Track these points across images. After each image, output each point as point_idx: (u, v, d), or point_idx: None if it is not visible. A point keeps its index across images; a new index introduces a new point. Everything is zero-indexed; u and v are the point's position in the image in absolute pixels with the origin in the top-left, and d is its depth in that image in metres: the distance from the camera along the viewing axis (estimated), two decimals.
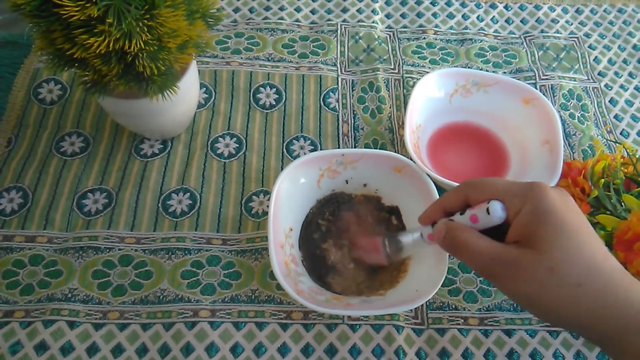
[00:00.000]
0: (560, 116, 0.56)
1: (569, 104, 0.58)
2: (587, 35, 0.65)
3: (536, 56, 0.63)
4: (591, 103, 0.59)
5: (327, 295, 0.42)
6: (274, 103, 0.56)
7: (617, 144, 0.49)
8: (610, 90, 0.61)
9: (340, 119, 0.56)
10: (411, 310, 0.44)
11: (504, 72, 0.61)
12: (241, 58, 0.59)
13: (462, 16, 0.66)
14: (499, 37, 0.64)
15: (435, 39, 0.63)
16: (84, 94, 0.55)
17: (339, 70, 0.59)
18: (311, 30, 0.62)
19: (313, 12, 0.64)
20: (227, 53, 0.59)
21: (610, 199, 0.42)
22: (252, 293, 0.44)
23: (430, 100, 0.54)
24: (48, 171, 0.50)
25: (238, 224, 0.48)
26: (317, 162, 0.46)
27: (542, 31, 0.65)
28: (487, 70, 0.60)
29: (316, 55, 0.60)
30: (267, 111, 0.56)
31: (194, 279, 0.45)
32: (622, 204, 0.42)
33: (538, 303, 0.28)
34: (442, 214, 0.35)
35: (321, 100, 0.57)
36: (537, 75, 0.61)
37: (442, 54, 0.62)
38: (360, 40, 0.62)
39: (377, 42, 0.62)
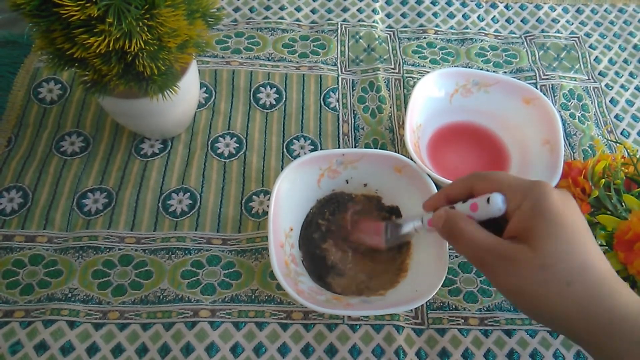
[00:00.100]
0: (561, 116, 0.56)
1: (569, 103, 0.58)
2: (588, 35, 0.65)
3: (537, 56, 0.62)
4: (592, 103, 0.59)
5: (327, 295, 0.42)
6: (274, 103, 0.56)
7: (618, 144, 0.49)
8: (610, 90, 0.61)
9: (341, 119, 0.56)
10: (411, 310, 0.44)
11: (505, 72, 0.61)
12: (241, 58, 0.59)
13: (463, 16, 0.66)
14: (499, 37, 0.64)
15: (436, 39, 0.63)
16: (84, 94, 0.55)
17: (339, 70, 0.59)
18: (311, 29, 0.62)
19: (313, 11, 0.64)
20: (228, 53, 0.59)
21: (611, 199, 0.42)
22: (252, 293, 0.44)
23: (431, 100, 0.54)
24: (48, 171, 0.50)
25: (238, 223, 0.48)
26: (317, 162, 0.46)
27: (542, 31, 0.65)
28: (487, 70, 0.60)
29: (316, 54, 0.60)
30: (267, 111, 0.56)
31: (194, 278, 0.45)
32: (623, 204, 0.42)
33: (528, 299, 0.29)
34: (446, 202, 0.35)
35: (321, 100, 0.57)
36: (537, 75, 0.60)
37: (442, 53, 0.62)
38: (361, 40, 0.62)
39: (377, 42, 0.62)
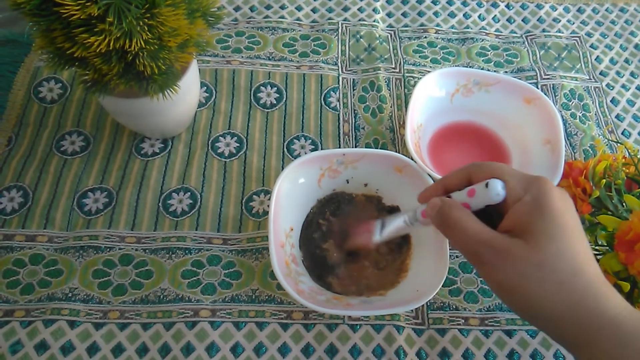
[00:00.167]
0: (562, 116, 0.56)
1: (570, 103, 0.58)
2: (589, 35, 0.65)
3: (538, 55, 0.62)
4: (593, 103, 0.59)
5: (327, 295, 0.42)
6: (275, 102, 0.56)
7: (619, 144, 0.49)
8: (611, 90, 0.61)
9: (341, 119, 0.55)
10: (412, 310, 0.44)
11: (506, 72, 0.61)
12: (242, 57, 0.59)
13: (464, 15, 0.66)
14: (500, 36, 0.64)
15: (437, 38, 0.63)
16: (84, 93, 0.55)
17: (340, 70, 0.59)
18: (312, 29, 0.62)
19: (314, 10, 0.64)
20: (228, 52, 0.59)
21: (612, 199, 0.42)
22: (253, 293, 0.44)
23: (432, 99, 0.53)
24: (48, 170, 0.50)
25: (239, 223, 0.48)
26: (317, 162, 0.46)
27: (543, 30, 0.65)
28: (488, 70, 0.60)
29: (317, 54, 0.60)
30: (267, 110, 0.56)
31: (195, 278, 0.45)
32: (624, 204, 0.42)
33: (520, 295, 0.28)
34: (443, 192, 0.34)
35: (322, 99, 0.57)
36: (538, 74, 0.60)
37: (443, 53, 0.62)
38: (362, 39, 0.62)
39: (378, 41, 0.61)
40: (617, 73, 0.62)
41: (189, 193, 0.49)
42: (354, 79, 0.59)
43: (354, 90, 0.58)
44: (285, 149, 0.53)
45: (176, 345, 0.41)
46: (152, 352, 0.41)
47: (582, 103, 0.59)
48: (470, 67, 0.60)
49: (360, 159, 0.47)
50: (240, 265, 0.46)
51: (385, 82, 0.58)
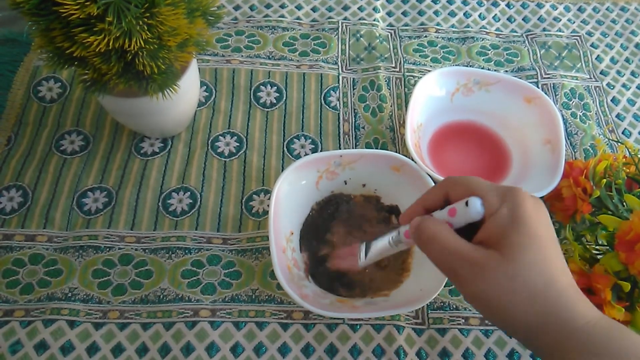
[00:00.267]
0: (562, 115, 0.56)
1: (570, 103, 0.58)
2: (589, 34, 0.65)
3: (538, 55, 0.62)
4: (593, 102, 0.59)
5: (331, 298, 0.42)
6: (275, 101, 0.56)
7: (619, 144, 0.49)
8: (612, 89, 0.60)
9: (341, 118, 0.55)
10: (412, 310, 0.44)
11: (506, 71, 0.60)
12: (242, 56, 0.58)
13: (464, 14, 0.65)
14: (500, 36, 0.64)
15: (437, 37, 0.63)
16: (83, 93, 0.55)
17: (340, 69, 0.59)
18: (312, 28, 0.62)
19: (314, 9, 0.64)
20: (228, 51, 0.59)
21: (612, 199, 0.42)
22: (253, 293, 0.44)
23: (432, 99, 0.53)
24: (48, 170, 0.50)
25: (238, 223, 0.48)
26: (314, 164, 0.46)
27: (544, 29, 0.65)
28: (488, 69, 0.60)
29: (317, 53, 0.60)
30: (267, 110, 0.56)
31: (194, 278, 0.45)
32: (624, 204, 0.42)
33: (494, 306, 0.28)
34: (423, 211, 0.34)
35: (322, 98, 0.56)
36: (538, 74, 0.60)
37: (443, 52, 0.62)
38: (362, 39, 0.62)
39: (378, 41, 0.61)
40: (618, 72, 0.62)
41: (189, 192, 0.49)
42: (354, 78, 0.58)
43: (354, 89, 0.58)
44: (285, 149, 0.53)
45: (176, 345, 0.41)
46: (152, 352, 0.41)
47: (582, 102, 0.58)
48: (470, 66, 0.60)
49: (358, 159, 0.47)
50: (240, 265, 0.46)
51: (386, 81, 0.58)
